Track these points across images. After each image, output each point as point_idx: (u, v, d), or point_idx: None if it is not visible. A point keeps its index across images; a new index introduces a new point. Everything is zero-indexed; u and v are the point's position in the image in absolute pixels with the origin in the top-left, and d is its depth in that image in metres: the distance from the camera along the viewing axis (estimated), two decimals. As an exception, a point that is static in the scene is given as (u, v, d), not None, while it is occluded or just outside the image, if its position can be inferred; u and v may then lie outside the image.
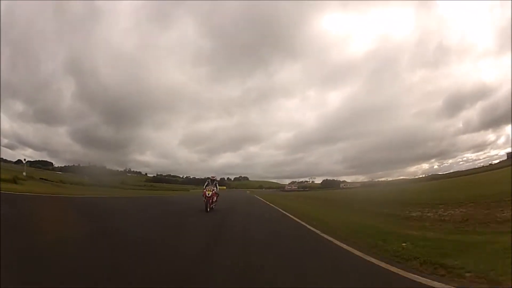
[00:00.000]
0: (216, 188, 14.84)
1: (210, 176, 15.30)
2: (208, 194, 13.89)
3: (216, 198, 14.96)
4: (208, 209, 13.47)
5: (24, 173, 38.74)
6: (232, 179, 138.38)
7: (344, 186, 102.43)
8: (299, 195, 51.99)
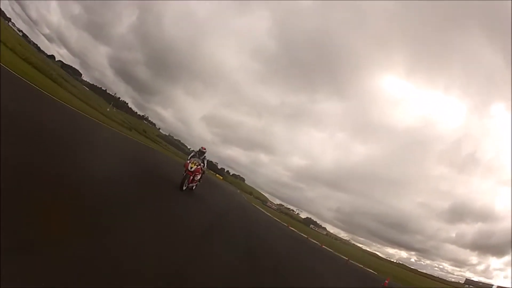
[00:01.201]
0: (204, 164, 11.67)
1: (200, 148, 11.85)
2: (191, 168, 10.61)
3: (200, 177, 11.91)
4: (184, 187, 10.44)
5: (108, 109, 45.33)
6: (230, 174, 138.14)
7: (314, 229, 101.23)
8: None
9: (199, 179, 11.92)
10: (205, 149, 11.82)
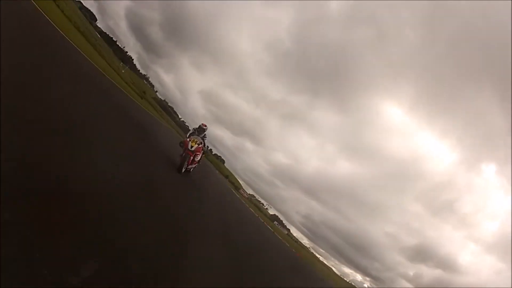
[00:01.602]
0: (204, 143, 10.38)
1: (200, 124, 10.70)
2: (191, 146, 9.46)
3: (200, 157, 10.73)
4: (184, 170, 9.33)
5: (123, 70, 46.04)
6: (212, 153, 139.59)
7: (277, 226, 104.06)
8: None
9: (199, 160, 10.65)
10: (206, 126, 10.69)
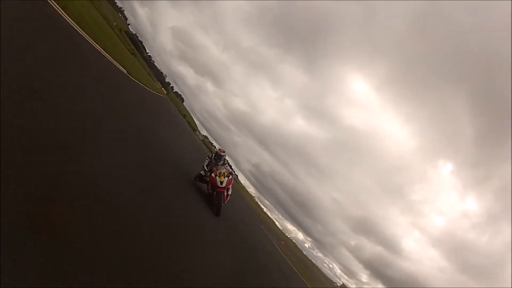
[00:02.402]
0: (232, 171, 9.24)
1: (218, 150, 9.63)
2: (221, 182, 8.34)
3: (231, 191, 9.27)
4: (219, 211, 8.30)
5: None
6: (173, 90, 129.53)
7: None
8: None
9: (230, 194, 9.14)
10: (224, 151, 9.61)
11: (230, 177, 8.73)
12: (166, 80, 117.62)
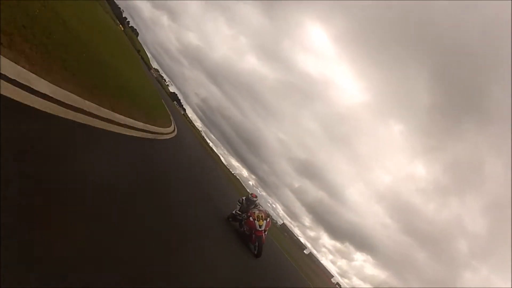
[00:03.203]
0: (269, 215, 9.71)
1: (249, 195, 10.23)
2: (260, 226, 8.89)
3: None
4: (256, 252, 8.85)
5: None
6: (129, 25, 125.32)
7: (176, 106, 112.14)
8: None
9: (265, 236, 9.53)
10: (256, 196, 10.21)
11: (268, 219, 9.19)
12: (123, 15, 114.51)
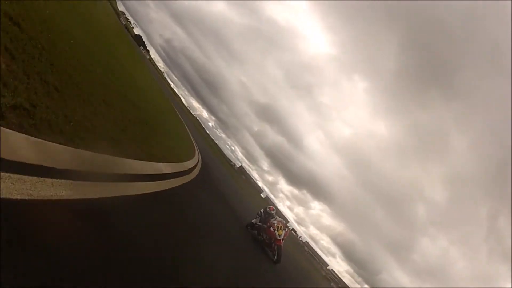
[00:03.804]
0: (288, 227, 10.62)
1: (267, 208, 11.01)
2: (279, 235, 9.80)
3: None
4: (275, 258, 9.70)
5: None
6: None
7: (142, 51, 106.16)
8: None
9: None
10: (273, 209, 10.90)
11: (286, 229, 10.09)
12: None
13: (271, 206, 11.07)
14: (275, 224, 9.98)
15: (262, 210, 11.04)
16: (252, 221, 10.92)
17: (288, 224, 10.63)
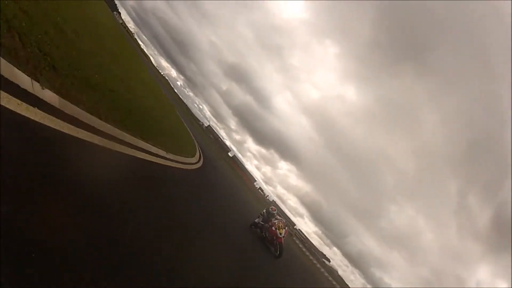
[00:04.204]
0: (287, 226, 11.64)
1: (269, 209, 12.01)
2: (280, 233, 10.71)
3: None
4: (277, 253, 10.65)
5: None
6: None
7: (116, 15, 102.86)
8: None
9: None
10: (275, 209, 11.97)
11: (286, 228, 11.28)
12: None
13: (272, 207, 12.12)
14: (276, 224, 10.97)
15: (264, 210, 12.15)
16: (255, 220, 12.05)
17: (287, 223, 11.71)
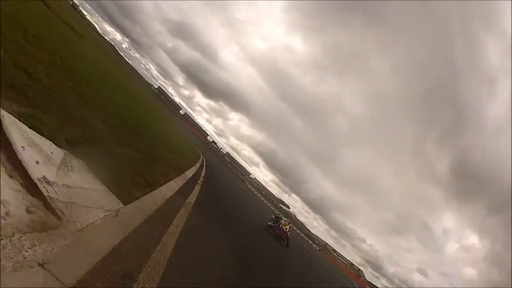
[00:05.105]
0: (290, 223, 15.10)
1: (277, 214, 15.93)
2: (286, 229, 14.15)
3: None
4: (286, 244, 13.84)
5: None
6: None
7: None
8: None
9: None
10: (280, 214, 16.07)
11: (290, 225, 14.84)
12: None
13: (278, 212, 16.42)
14: (283, 223, 14.63)
15: (273, 216, 15.86)
16: (269, 223, 15.40)
17: (290, 222, 15.26)
